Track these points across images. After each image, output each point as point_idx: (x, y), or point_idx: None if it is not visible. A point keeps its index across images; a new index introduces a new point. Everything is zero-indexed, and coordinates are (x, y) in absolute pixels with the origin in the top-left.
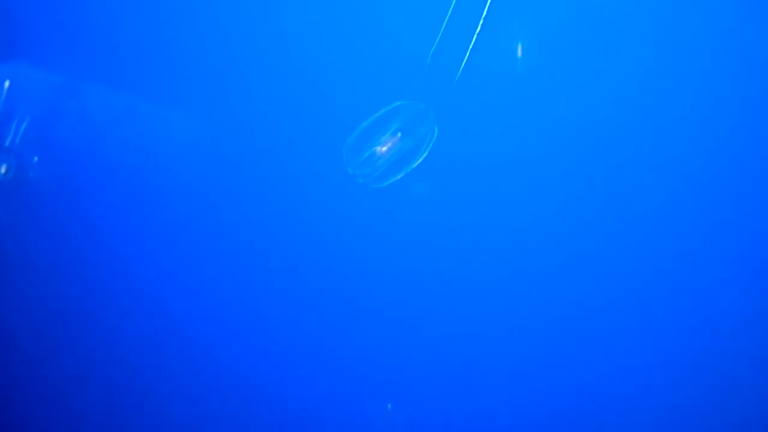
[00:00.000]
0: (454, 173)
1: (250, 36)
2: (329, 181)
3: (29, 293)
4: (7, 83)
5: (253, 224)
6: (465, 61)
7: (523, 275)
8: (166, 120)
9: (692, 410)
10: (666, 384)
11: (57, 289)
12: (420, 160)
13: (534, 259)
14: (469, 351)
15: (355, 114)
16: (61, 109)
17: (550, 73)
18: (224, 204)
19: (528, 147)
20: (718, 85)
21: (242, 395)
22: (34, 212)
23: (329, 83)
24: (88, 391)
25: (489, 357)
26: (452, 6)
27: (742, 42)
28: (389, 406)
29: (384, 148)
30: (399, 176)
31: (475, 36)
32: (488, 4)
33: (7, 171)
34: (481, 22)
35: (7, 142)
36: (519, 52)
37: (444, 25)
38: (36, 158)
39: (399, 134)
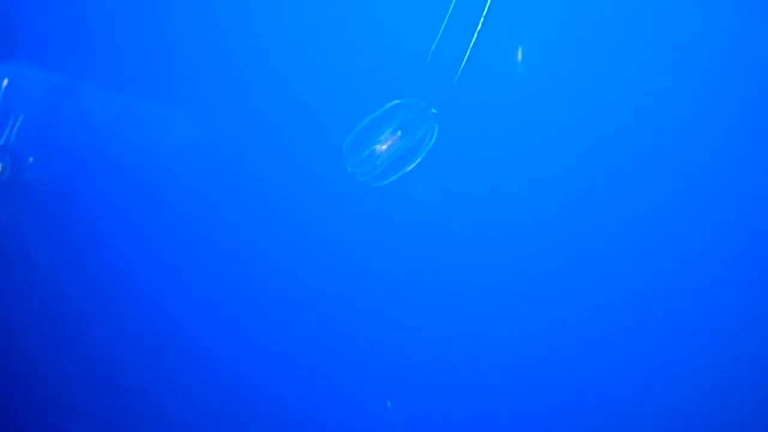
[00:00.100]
0: (454, 172)
1: (250, 35)
2: (329, 180)
3: (29, 293)
4: (6, 83)
5: (253, 223)
6: (465, 59)
7: (523, 274)
8: (166, 120)
9: (692, 410)
10: (666, 384)
11: (57, 289)
12: (420, 159)
13: (534, 259)
14: (469, 351)
15: (354, 112)
16: (61, 109)
17: (550, 73)
18: (224, 203)
19: (528, 146)
20: (719, 86)
21: (242, 395)
22: (34, 212)
23: (329, 82)
24: (88, 391)
25: (489, 357)
26: (452, 5)
27: (742, 42)
28: (389, 403)
29: (384, 147)
30: (398, 175)
31: (476, 35)
32: (488, 3)
33: (7, 171)
34: (482, 21)
35: (7, 142)
36: (519, 52)
37: (444, 24)
38: (36, 158)
39: (399, 132)
